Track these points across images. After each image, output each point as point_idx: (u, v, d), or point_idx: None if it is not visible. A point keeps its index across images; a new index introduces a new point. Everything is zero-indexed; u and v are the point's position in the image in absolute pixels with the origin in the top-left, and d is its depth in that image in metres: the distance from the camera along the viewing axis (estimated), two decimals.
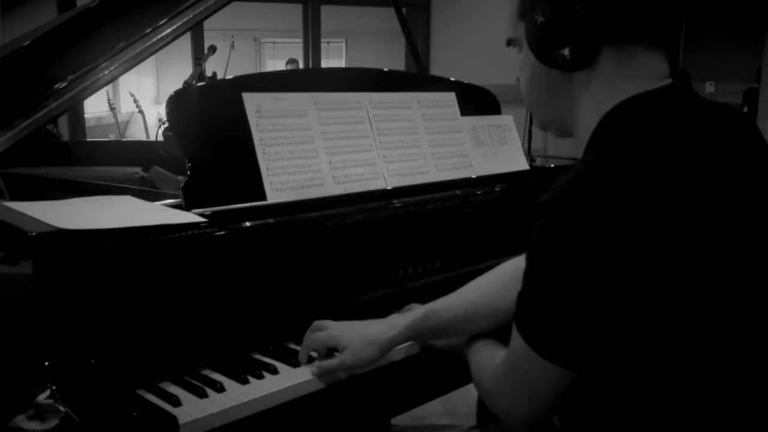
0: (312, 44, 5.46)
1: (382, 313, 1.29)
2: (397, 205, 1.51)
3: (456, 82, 1.84)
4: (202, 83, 1.37)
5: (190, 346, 1.19)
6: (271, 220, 1.29)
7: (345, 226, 1.42)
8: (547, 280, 0.85)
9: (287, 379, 1.16)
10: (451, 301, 1.22)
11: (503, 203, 1.76)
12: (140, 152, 2.38)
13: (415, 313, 1.21)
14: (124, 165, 2.29)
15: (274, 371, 1.18)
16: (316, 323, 1.23)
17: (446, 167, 1.69)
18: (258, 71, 6.52)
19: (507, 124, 1.89)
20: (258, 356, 1.24)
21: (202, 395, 1.09)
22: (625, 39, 0.90)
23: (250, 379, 1.15)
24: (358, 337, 1.16)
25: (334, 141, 1.49)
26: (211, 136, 1.32)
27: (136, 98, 5.21)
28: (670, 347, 0.83)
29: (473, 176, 1.72)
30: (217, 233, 1.20)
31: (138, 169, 2.16)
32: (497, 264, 1.28)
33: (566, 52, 0.89)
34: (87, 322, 1.05)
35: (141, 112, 5.13)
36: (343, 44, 8.67)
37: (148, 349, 1.13)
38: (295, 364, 1.21)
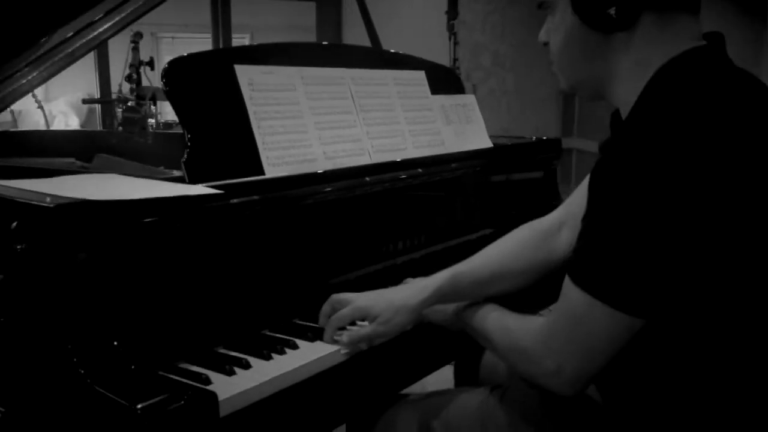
0: (223, 40, 5.31)
1: (385, 284, 1.29)
2: (406, 177, 1.54)
3: (423, 60, 1.85)
4: (199, 52, 1.29)
5: (204, 324, 1.14)
6: (293, 191, 1.29)
7: (355, 199, 1.42)
8: (613, 231, 0.87)
9: (311, 353, 1.13)
10: (476, 264, 1.23)
11: (482, 178, 1.80)
12: (66, 143, 2.23)
13: (441, 276, 1.21)
14: (55, 156, 2.14)
15: (294, 346, 1.15)
16: (335, 298, 1.20)
17: (422, 144, 1.70)
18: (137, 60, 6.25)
19: (471, 103, 1.93)
20: (270, 333, 1.21)
21: (230, 372, 1.04)
22: (665, 4, 0.94)
23: (274, 355, 1.11)
24: (387, 304, 1.16)
25: (322, 116, 1.47)
26: (209, 108, 1.27)
27: (34, 93, 4.88)
28: (720, 294, 0.88)
29: (447, 153, 1.74)
30: (238, 206, 1.16)
31: (72, 160, 2.03)
32: (483, 235, 1.31)
33: (612, 11, 0.93)
34: (112, 301, 0.98)
35: (41, 107, 4.83)
36: (247, 40, 8.50)
37: (165, 329, 1.07)
38: (312, 338, 1.18)
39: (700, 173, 0.83)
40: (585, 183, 1.28)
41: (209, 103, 1.27)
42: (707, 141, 0.84)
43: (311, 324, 1.24)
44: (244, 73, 1.34)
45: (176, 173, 1.46)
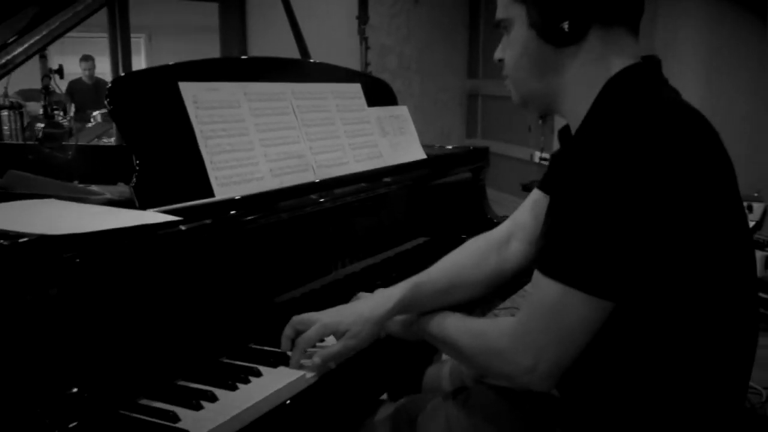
0: (121, 41, 5.09)
1: (332, 299, 1.29)
2: (350, 193, 1.53)
3: (357, 72, 1.86)
4: (143, 69, 1.23)
5: (161, 355, 1.09)
6: (243, 213, 1.24)
7: (301, 217, 1.39)
8: (580, 225, 0.93)
9: (277, 380, 1.10)
10: (435, 274, 1.27)
11: (419, 188, 1.82)
12: None
13: (403, 286, 1.23)
14: None
15: (257, 373, 1.12)
16: (297, 319, 1.18)
17: (362, 157, 1.70)
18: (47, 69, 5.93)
19: (404, 114, 1.94)
20: (229, 360, 1.17)
21: (197, 407, 1.00)
22: (610, 21, 1.04)
23: (239, 385, 1.08)
24: (356, 318, 1.17)
25: (267, 133, 1.44)
26: (155, 128, 1.21)
27: None
28: (677, 277, 0.94)
29: (385, 165, 1.75)
30: (189, 231, 1.11)
31: None
32: (418, 244, 1.32)
33: (566, 26, 1.01)
34: (65, 341, 0.93)
35: None
36: (143, 41, 8.18)
37: (122, 364, 1.02)
38: (274, 363, 1.15)
39: (650, 172, 0.90)
40: (530, 198, 1.34)
41: (156, 123, 1.22)
42: (656, 144, 0.92)
43: (268, 348, 1.21)
44: (189, 90, 1.29)
45: (94, 188, 1.41)
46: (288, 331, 1.18)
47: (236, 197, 1.28)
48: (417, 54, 6.31)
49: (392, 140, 1.84)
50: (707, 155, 0.96)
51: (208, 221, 1.18)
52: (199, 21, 6.70)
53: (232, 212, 1.25)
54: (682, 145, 0.93)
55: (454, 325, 1.16)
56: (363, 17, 4.19)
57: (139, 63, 8.34)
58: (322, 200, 1.46)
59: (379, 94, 1.89)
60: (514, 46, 1.09)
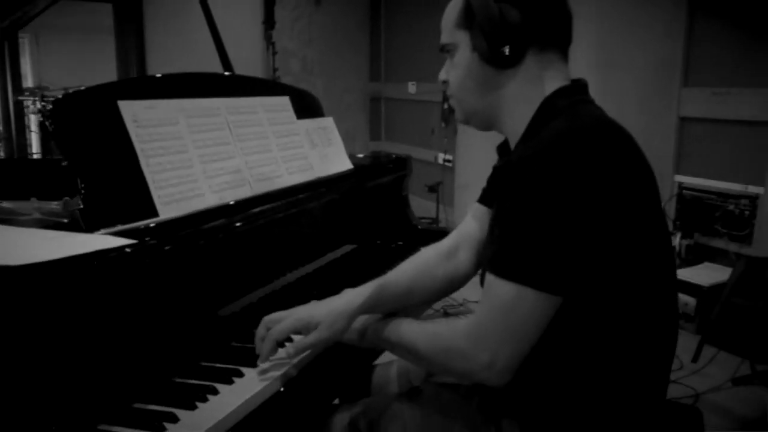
0: (8, 41, 4.81)
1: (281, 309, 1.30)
2: (286, 206, 1.55)
3: (285, 85, 1.88)
4: (83, 89, 1.20)
5: (115, 378, 1.08)
6: (187, 231, 1.25)
7: (242, 233, 1.40)
8: (528, 228, 1.01)
9: (235, 396, 1.12)
10: (394, 278, 1.35)
11: (349, 198, 1.86)
12: None
13: (370, 285, 1.29)
14: None
15: (214, 391, 1.13)
16: (268, 318, 1.24)
17: (294, 170, 1.73)
18: None
19: (330, 125, 1.98)
20: (183, 380, 1.17)
21: (161, 429, 1.01)
22: (545, 46, 1.15)
23: (198, 404, 1.09)
24: (328, 312, 1.23)
25: (204, 149, 1.44)
26: (99, 149, 1.20)
27: None
28: (617, 272, 1.04)
29: (316, 177, 1.78)
30: (134, 252, 1.11)
31: None
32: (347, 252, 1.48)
33: (506, 50, 1.12)
34: (16, 371, 0.91)
35: None
36: (27, 41, 7.73)
37: (80, 387, 1.01)
38: (229, 381, 1.17)
39: (583, 179, 1.00)
40: (471, 211, 1.43)
41: (98, 144, 1.20)
42: (587, 155, 1.02)
43: (219, 365, 1.22)
44: (128, 109, 1.28)
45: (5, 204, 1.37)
46: (261, 330, 1.23)
47: (179, 215, 1.28)
48: (319, 57, 6.33)
49: (321, 152, 1.88)
50: (631, 164, 1.07)
51: (153, 242, 1.18)
52: (91, 22, 6.42)
53: (176, 231, 1.25)
54: (610, 156, 1.03)
55: (410, 329, 1.21)
56: (269, 22, 4.18)
57: (25, 65, 7.89)
58: (259, 215, 1.48)
59: (306, 105, 1.92)
60: (458, 68, 1.19)
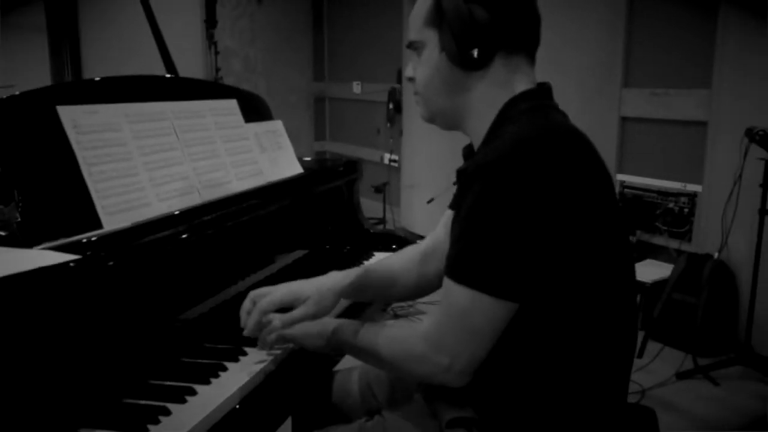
0: None
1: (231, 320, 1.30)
2: (236, 213, 1.50)
3: (231, 88, 1.82)
4: (17, 94, 1.12)
5: (64, 401, 1.02)
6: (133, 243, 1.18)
7: (190, 243, 1.34)
8: (484, 235, 1.01)
9: (189, 414, 1.07)
10: (381, 266, 1.42)
11: (300, 203, 1.82)
12: None
13: (356, 270, 1.36)
14: None
15: (166, 412, 1.08)
16: (255, 292, 1.30)
17: (244, 175, 1.67)
18: None
19: (279, 129, 1.93)
20: (132, 401, 1.12)
21: None
22: (513, 50, 1.14)
23: (149, 427, 1.03)
24: (317, 288, 1.29)
25: (150, 156, 1.38)
26: (36, 158, 1.13)
27: None
28: (572, 278, 1.04)
29: (266, 182, 1.74)
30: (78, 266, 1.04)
31: None
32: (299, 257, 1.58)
33: (475, 53, 1.10)
34: None
35: None
36: None
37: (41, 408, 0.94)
38: (181, 399, 1.12)
39: (539, 185, 1.00)
40: (444, 217, 1.42)
41: (36, 152, 1.13)
42: (544, 160, 1.02)
43: (169, 383, 1.17)
44: (67, 114, 1.21)
45: None
46: (247, 304, 1.29)
47: (124, 227, 1.22)
48: (262, 56, 6.23)
49: (270, 156, 1.83)
50: (586, 169, 1.07)
51: (97, 257, 1.12)
52: (19, 19, 6.17)
53: (121, 244, 1.18)
54: (564, 162, 1.03)
55: (372, 333, 1.20)
56: (211, 21, 4.08)
57: None
58: (207, 224, 1.43)
59: (253, 108, 1.87)
60: (425, 67, 1.17)
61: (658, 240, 3.63)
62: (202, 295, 1.42)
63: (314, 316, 1.27)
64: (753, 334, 2.91)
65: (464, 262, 1.03)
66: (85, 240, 1.12)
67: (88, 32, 5.32)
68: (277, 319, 1.25)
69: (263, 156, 1.79)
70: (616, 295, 1.11)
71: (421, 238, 4.86)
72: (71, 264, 0.99)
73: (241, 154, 1.69)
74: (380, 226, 4.84)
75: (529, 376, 1.09)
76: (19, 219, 1.05)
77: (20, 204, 1.06)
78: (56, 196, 1.15)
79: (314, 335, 1.27)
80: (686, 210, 3.53)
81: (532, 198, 0.99)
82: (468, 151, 1.27)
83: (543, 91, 1.18)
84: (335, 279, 1.33)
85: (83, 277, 1.05)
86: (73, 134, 1.20)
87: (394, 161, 5.58)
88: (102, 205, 1.21)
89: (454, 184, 1.29)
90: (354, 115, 6.29)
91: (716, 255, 3.14)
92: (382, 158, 5.77)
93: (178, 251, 1.32)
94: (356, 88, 6.11)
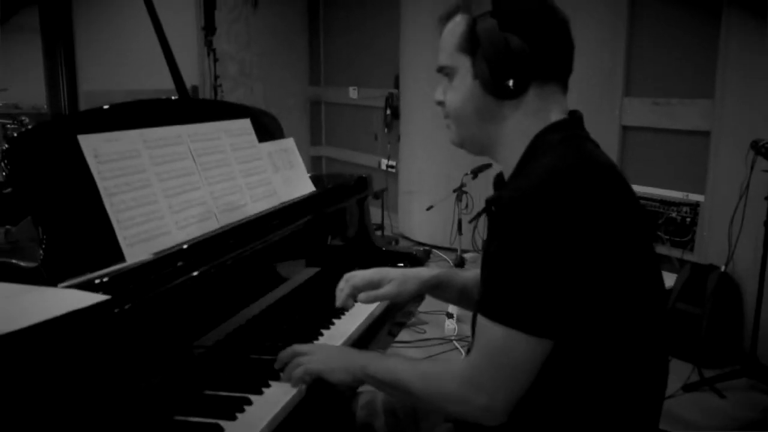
0: None
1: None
2: (256, 238, 1.47)
3: (244, 106, 1.79)
4: (39, 124, 1.09)
5: None
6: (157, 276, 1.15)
7: (209, 271, 1.31)
8: (517, 271, 0.99)
9: None
10: (463, 272, 1.49)
11: (315, 222, 1.79)
12: None
13: (435, 269, 1.48)
14: None
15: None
16: (348, 275, 1.48)
17: (258, 197, 1.65)
18: None
19: (291, 147, 1.91)
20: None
21: None
22: (547, 78, 1.12)
23: None
24: (402, 272, 1.44)
25: (168, 182, 1.35)
26: (60, 190, 1.10)
27: None
28: (606, 314, 1.03)
29: (280, 203, 1.71)
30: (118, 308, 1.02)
31: None
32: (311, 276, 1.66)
33: (510, 83, 1.08)
34: None
35: None
36: None
37: None
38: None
39: (574, 220, 0.98)
40: None
41: (59, 185, 1.10)
42: (578, 195, 1.00)
43: (193, 419, 1.14)
44: (89, 143, 1.18)
45: None
46: (341, 283, 1.46)
47: (147, 260, 1.19)
48: (258, 61, 6.19)
49: (284, 175, 1.80)
50: (618, 203, 1.05)
51: (124, 295, 1.08)
52: (13, 20, 6.09)
53: (145, 278, 1.15)
54: (597, 196, 1.02)
55: (403, 370, 1.18)
56: (210, 28, 4.03)
57: None
58: (227, 252, 1.40)
59: (265, 127, 1.84)
60: (457, 93, 1.15)
61: (660, 249, 3.63)
62: (216, 322, 1.39)
63: (395, 297, 1.43)
64: (758, 345, 2.91)
65: (499, 299, 1.02)
66: (108, 278, 1.09)
67: (83, 34, 5.26)
68: (363, 295, 1.42)
69: (276, 176, 1.76)
70: (649, 327, 1.10)
71: (420, 244, 4.86)
72: (101, 304, 0.96)
73: (256, 175, 1.67)
74: (378, 233, 4.81)
75: (564, 410, 1.08)
76: (43, 255, 1.02)
77: (44, 241, 1.02)
78: (78, 229, 1.11)
79: (340, 370, 1.25)
80: (688, 219, 3.53)
81: (567, 232, 0.98)
82: (498, 180, 1.25)
83: (574, 120, 1.16)
84: (419, 270, 1.47)
85: (111, 317, 1.02)
86: (94, 164, 1.18)
87: (392, 167, 5.56)
88: (123, 236, 1.18)
89: (483, 211, 1.27)
90: (351, 120, 6.26)
91: (723, 268, 3.13)
92: (379, 164, 5.74)
93: (198, 283, 1.29)
94: (353, 93, 6.08)
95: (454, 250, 4.57)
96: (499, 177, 1.24)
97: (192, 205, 1.39)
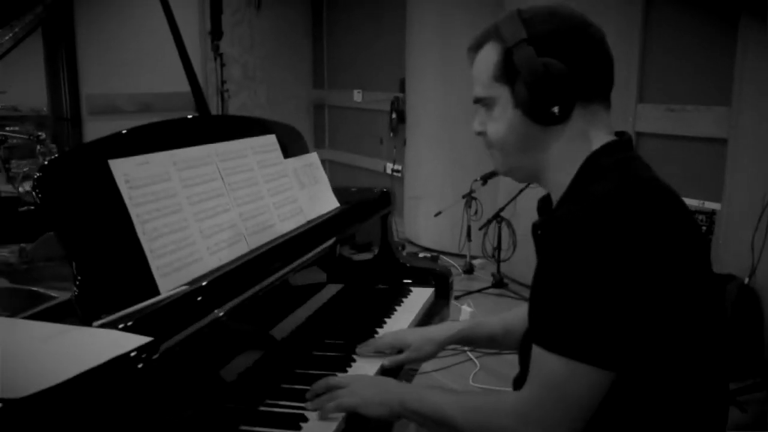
0: None
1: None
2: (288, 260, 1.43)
3: (268, 121, 1.73)
4: (68, 151, 1.03)
5: None
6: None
7: (248, 300, 1.25)
8: (576, 298, 0.95)
9: None
10: (492, 320, 1.45)
11: (341, 239, 1.73)
12: None
13: (463, 322, 1.45)
14: None
15: None
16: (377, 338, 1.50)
17: (286, 216, 1.59)
18: None
19: (315, 162, 1.85)
20: None
21: None
22: (591, 98, 1.08)
23: None
24: (420, 336, 1.43)
25: (199, 205, 1.29)
26: (92, 220, 1.04)
27: None
28: (671, 340, 0.99)
29: (306, 221, 1.65)
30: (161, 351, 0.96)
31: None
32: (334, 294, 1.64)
33: (555, 109, 1.05)
34: None
35: None
36: None
37: None
38: None
39: (633, 245, 0.95)
40: None
41: (91, 215, 1.04)
42: (638, 218, 0.97)
43: None
44: (119, 168, 1.12)
45: None
46: (367, 345, 1.47)
47: (183, 291, 1.13)
48: (261, 63, 6.13)
49: (309, 192, 1.75)
50: (679, 227, 1.02)
51: (164, 335, 1.02)
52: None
53: (182, 311, 1.10)
54: (659, 219, 0.99)
55: (448, 404, 1.13)
56: (216, 32, 3.96)
57: None
58: (260, 276, 1.34)
59: (289, 141, 1.78)
60: (498, 124, 1.12)
61: None
62: (246, 350, 1.33)
63: (415, 361, 1.43)
64: None
65: (558, 329, 0.98)
66: (143, 315, 1.03)
67: (85, 36, 5.19)
68: (387, 360, 1.41)
69: (302, 193, 1.71)
70: (711, 354, 1.05)
71: (427, 250, 4.77)
72: (144, 347, 0.90)
73: (282, 193, 1.61)
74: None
75: None
76: (77, 292, 0.96)
77: (78, 280, 0.96)
78: (110, 261, 1.05)
79: (377, 404, 1.20)
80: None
81: (629, 257, 0.94)
82: (544, 204, 1.21)
83: (624, 143, 1.12)
84: (440, 330, 1.44)
85: (154, 360, 0.96)
86: (126, 189, 1.12)
87: (397, 171, 5.51)
88: (156, 266, 1.12)
89: (533, 232, 1.22)
90: (355, 124, 6.20)
91: (746, 280, 3.08)
92: (384, 168, 5.69)
93: (233, 313, 1.23)
94: (357, 96, 6.02)
95: (462, 256, 4.52)
96: (544, 201, 1.20)
97: (222, 228, 1.33)
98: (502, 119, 1.11)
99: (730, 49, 3.26)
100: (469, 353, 3.25)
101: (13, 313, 1.16)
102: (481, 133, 1.16)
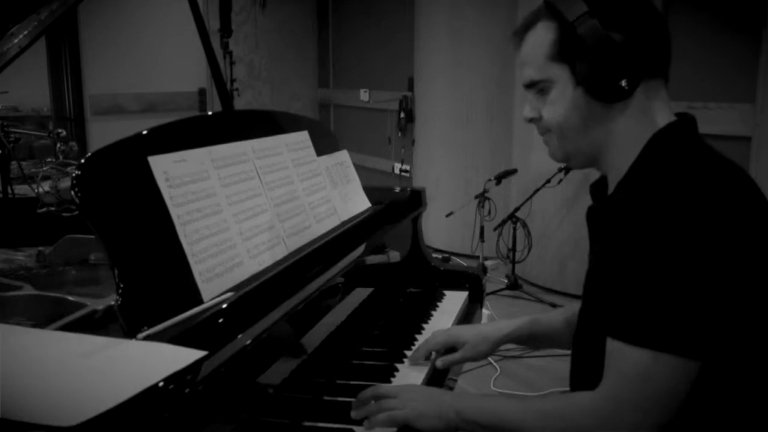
0: None
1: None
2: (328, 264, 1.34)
3: (298, 117, 1.65)
4: (107, 146, 0.95)
5: None
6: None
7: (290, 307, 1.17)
8: (656, 287, 0.91)
9: None
10: (552, 314, 1.37)
11: (374, 240, 1.65)
12: None
13: (521, 319, 1.36)
14: None
15: None
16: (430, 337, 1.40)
17: (321, 216, 1.51)
18: None
19: (347, 160, 1.77)
20: None
21: None
22: (654, 74, 1.04)
23: None
24: (475, 334, 1.35)
25: (237, 205, 1.21)
26: (133, 221, 0.95)
27: None
28: (752, 329, 0.95)
29: (340, 222, 1.57)
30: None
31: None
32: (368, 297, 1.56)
33: (623, 83, 1.00)
34: None
35: None
36: None
37: None
38: None
39: (712, 227, 0.91)
40: None
41: (132, 216, 0.95)
42: (714, 200, 0.93)
43: None
44: (159, 165, 1.04)
45: None
46: (421, 344, 1.40)
47: (227, 300, 1.04)
48: (266, 62, 6.05)
49: (342, 191, 1.66)
50: (756, 207, 0.98)
51: (212, 339, 0.94)
52: None
53: (230, 320, 1.01)
54: (737, 201, 0.95)
55: (512, 411, 1.06)
56: (226, 30, 3.88)
57: None
58: (303, 281, 1.25)
59: (320, 138, 1.70)
60: (557, 107, 1.07)
61: None
62: (284, 358, 1.24)
63: (470, 360, 1.36)
64: None
65: (640, 320, 0.93)
66: (193, 325, 0.94)
67: (88, 36, 5.10)
68: (440, 360, 1.34)
69: (335, 192, 1.62)
70: None
71: (438, 251, 4.70)
72: (199, 362, 0.82)
73: (317, 193, 1.53)
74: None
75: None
76: (121, 301, 0.87)
77: (121, 288, 0.88)
78: (154, 266, 0.97)
79: (430, 416, 1.12)
80: None
81: (707, 241, 0.90)
82: (599, 188, 1.16)
83: (688, 122, 1.07)
84: (495, 328, 1.36)
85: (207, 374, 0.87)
86: (166, 188, 1.03)
87: (406, 171, 5.42)
88: (198, 271, 1.04)
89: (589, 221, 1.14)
90: (362, 123, 6.11)
91: None
92: (392, 168, 5.60)
93: (276, 321, 1.15)
94: (364, 95, 5.94)
95: (475, 258, 4.44)
96: (598, 184, 1.16)
97: (261, 230, 1.25)
98: (561, 101, 1.06)
99: (755, 46, 3.19)
100: (489, 358, 3.17)
101: (41, 323, 1.08)
102: (533, 120, 1.11)
